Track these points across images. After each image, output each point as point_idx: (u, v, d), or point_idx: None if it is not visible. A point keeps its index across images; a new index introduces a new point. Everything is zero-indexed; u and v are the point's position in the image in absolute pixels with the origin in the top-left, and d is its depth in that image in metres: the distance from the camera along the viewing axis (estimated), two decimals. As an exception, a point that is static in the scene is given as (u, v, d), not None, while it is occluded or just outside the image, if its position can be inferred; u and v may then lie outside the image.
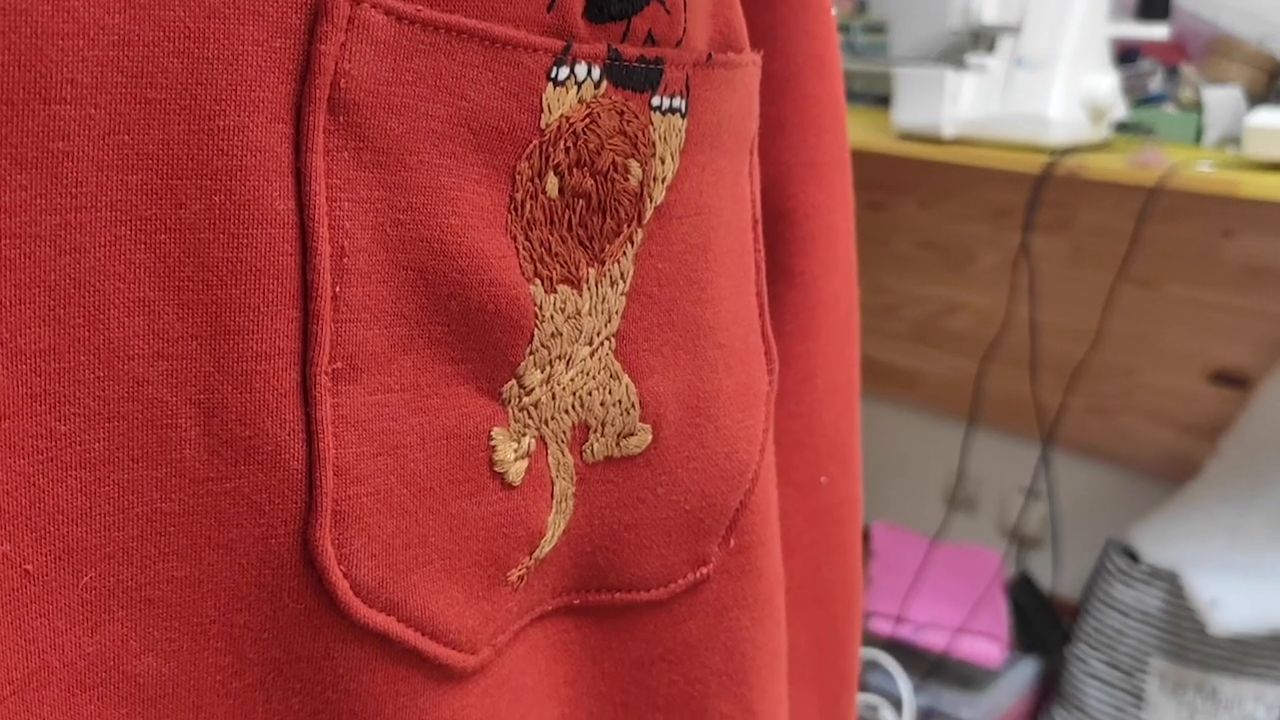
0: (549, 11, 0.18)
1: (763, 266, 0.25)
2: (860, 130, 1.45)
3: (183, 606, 0.18)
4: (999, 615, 1.52)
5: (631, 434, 0.22)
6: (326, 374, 0.17)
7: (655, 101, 0.20)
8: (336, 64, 0.16)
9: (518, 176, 0.19)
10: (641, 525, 0.23)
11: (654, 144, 0.20)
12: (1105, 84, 1.30)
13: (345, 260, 0.17)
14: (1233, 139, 1.30)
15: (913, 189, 1.78)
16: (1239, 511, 1.37)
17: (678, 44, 0.20)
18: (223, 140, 0.16)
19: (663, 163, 0.21)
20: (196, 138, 0.16)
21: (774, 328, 0.31)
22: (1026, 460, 1.65)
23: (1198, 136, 1.41)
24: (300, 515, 0.18)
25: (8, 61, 0.14)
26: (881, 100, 1.54)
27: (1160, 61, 1.54)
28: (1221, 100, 1.41)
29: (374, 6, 0.17)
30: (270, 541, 0.18)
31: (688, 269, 0.22)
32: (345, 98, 0.17)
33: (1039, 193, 1.32)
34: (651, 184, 0.21)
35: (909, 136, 1.36)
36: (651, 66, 0.20)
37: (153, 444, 0.17)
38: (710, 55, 0.21)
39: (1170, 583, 1.32)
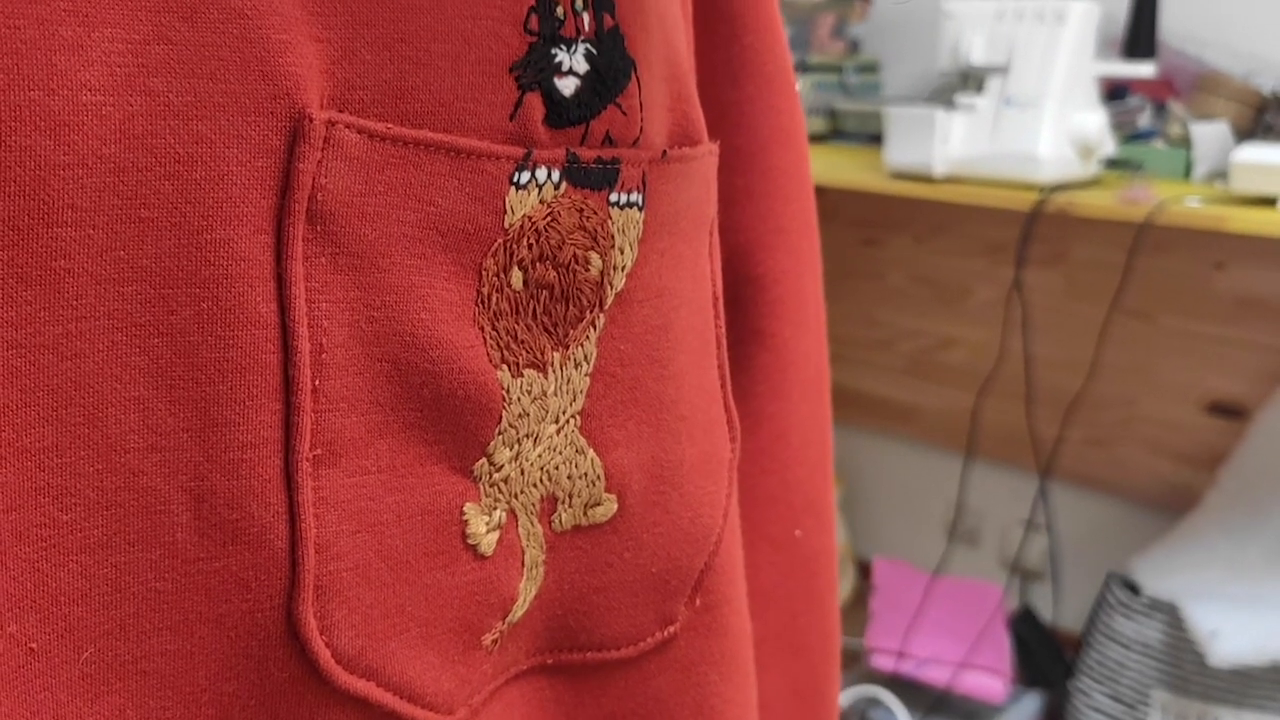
0: (511, 120, 0.20)
1: (724, 340, 0.27)
2: (853, 169, 1.47)
3: (176, 677, 0.19)
4: (1001, 649, 1.52)
5: (598, 504, 0.23)
6: (308, 460, 0.19)
7: (613, 198, 0.22)
8: (314, 179, 0.18)
9: (484, 272, 0.20)
10: (610, 588, 0.24)
11: (613, 236, 0.22)
12: (1093, 122, 1.32)
13: (324, 356, 0.19)
14: (1221, 173, 1.32)
15: (907, 224, 1.80)
16: (1237, 543, 1.38)
17: (634, 143, 0.22)
18: (210, 252, 0.18)
19: (622, 253, 0.22)
20: (187, 250, 0.17)
21: (747, 388, 0.32)
22: (1027, 493, 1.65)
23: (1187, 171, 1.43)
24: (284, 590, 0.19)
25: (13, 191, 0.16)
26: (874, 139, 1.56)
27: (1149, 98, 1.56)
28: (1209, 135, 1.43)
29: (347, 127, 0.18)
30: (257, 615, 0.19)
31: (649, 348, 0.23)
32: (322, 209, 0.18)
33: (1030, 229, 1.33)
34: (612, 272, 0.22)
35: (901, 175, 1.37)
36: (608, 166, 0.21)
37: (147, 529, 0.18)
38: (665, 152, 0.23)
39: (1171, 615, 1.32)
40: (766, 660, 0.34)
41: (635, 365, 0.23)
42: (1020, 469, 1.69)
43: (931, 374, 1.84)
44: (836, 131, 1.72)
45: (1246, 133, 1.43)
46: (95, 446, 0.17)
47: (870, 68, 1.75)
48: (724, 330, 0.27)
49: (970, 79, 1.42)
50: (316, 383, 0.19)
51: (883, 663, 1.51)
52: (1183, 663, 1.32)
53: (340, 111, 0.18)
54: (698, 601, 0.26)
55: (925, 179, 1.36)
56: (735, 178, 0.31)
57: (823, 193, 1.76)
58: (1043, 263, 1.68)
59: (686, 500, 0.25)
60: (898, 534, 1.90)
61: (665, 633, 0.25)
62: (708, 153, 0.25)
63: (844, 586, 1.85)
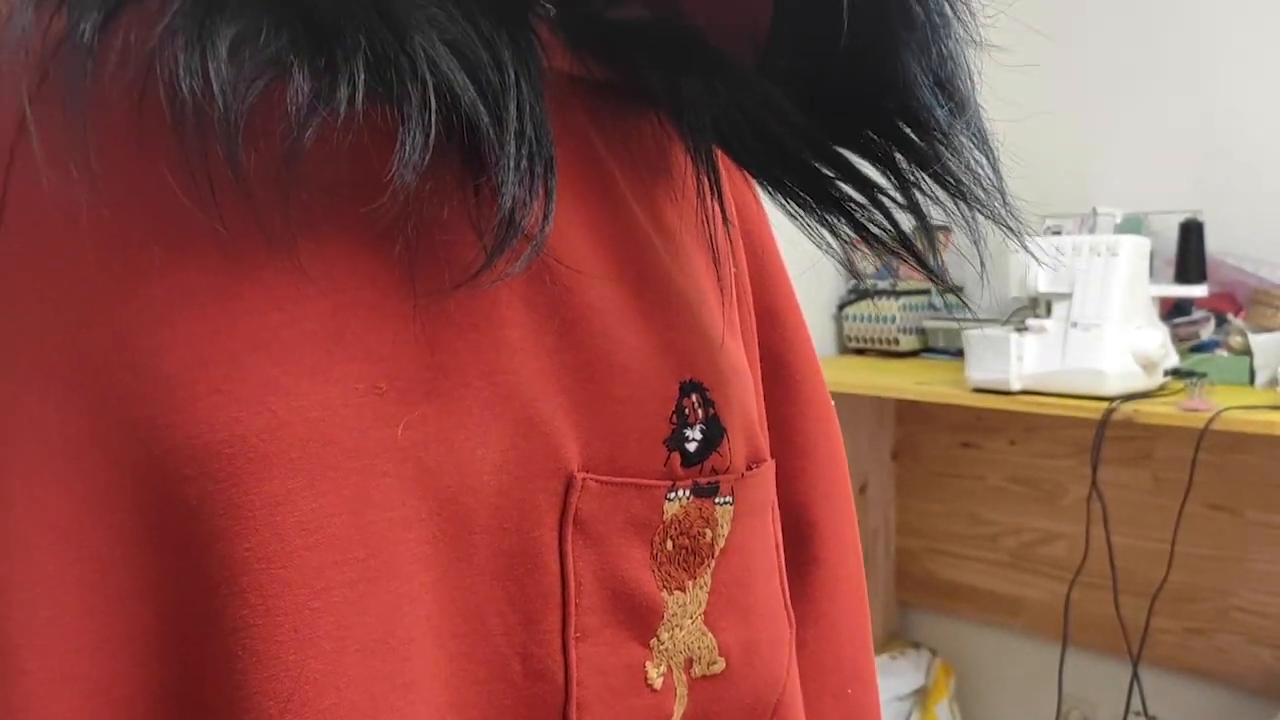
0: (664, 466, 0.40)
1: (784, 569, 0.46)
2: (942, 383, 1.64)
3: None
4: (1116, 836, 1.56)
5: (714, 663, 0.42)
6: (573, 640, 0.38)
7: (717, 500, 0.41)
8: (576, 504, 0.38)
9: (653, 543, 0.40)
10: (723, 712, 0.42)
11: (717, 520, 0.41)
12: (1153, 339, 1.47)
13: (580, 588, 0.38)
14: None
15: (1002, 429, 1.95)
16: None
17: (727, 470, 0.42)
18: (530, 542, 0.37)
19: (722, 528, 0.41)
20: (521, 543, 0.37)
21: (807, 593, 0.51)
22: (1130, 682, 1.72)
23: (1251, 378, 1.57)
24: (561, 704, 0.38)
25: (453, 523, 0.36)
26: (961, 353, 1.73)
27: (1212, 310, 1.71)
28: (1267, 345, 1.56)
29: (590, 479, 0.38)
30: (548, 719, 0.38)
31: (738, 578, 0.42)
32: (579, 517, 0.38)
33: (1101, 436, 1.48)
34: (718, 539, 0.42)
35: (982, 390, 1.54)
36: (714, 485, 0.41)
37: (502, 674, 0.37)
38: (743, 474, 0.42)
39: (1275, 800, 1.38)
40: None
41: (731, 587, 0.42)
42: (1125, 659, 1.77)
43: (1033, 567, 1.94)
44: (927, 347, 1.90)
45: (1303, 341, 1.56)
46: (482, 636, 0.37)
47: (956, 289, 1.95)
48: (784, 561, 0.46)
49: (1039, 303, 1.60)
50: (577, 601, 0.38)
51: None
52: None
53: (587, 472, 0.38)
54: None
55: (1004, 392, 1.52)
56: (794, 463, 0.51)
57: (917, 405, 1.92)
58: (1128, 461, 1.80)
59: (764, 661, 0.43)
60: (1010, 723, 1.96)
61: None
62: (769, 468, 0.44)
63: (962, 776, 1.91)
